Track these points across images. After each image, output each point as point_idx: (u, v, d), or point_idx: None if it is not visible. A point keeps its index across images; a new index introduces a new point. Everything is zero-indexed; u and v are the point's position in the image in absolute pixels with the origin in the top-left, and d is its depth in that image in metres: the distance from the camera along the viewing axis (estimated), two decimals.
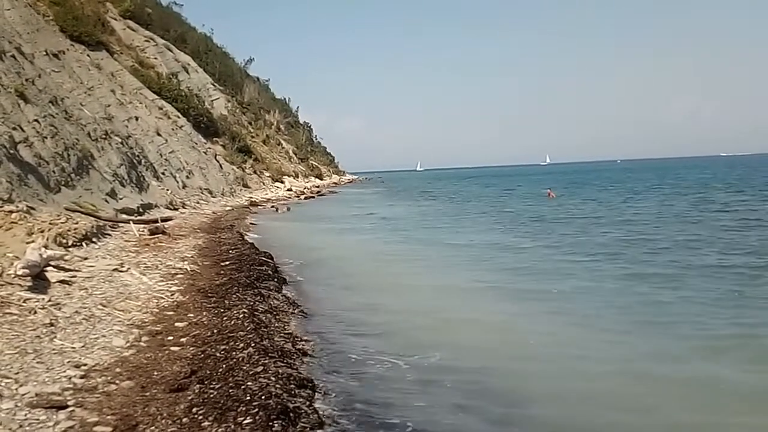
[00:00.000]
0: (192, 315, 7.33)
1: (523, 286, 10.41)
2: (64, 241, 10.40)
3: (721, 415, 5.13)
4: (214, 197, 30.57)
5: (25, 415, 4.19)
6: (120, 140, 22.25)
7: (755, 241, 14.07)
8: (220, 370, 5.28)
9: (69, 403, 4.45)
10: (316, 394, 5.24)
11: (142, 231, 14.37)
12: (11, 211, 10.07)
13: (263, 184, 45.74)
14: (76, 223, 11.45)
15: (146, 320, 7.00)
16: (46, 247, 8.76)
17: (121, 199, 17.64)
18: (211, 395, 4.69)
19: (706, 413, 5.17)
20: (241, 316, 7.17)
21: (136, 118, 27.96)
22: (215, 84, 55.98)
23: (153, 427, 4.17)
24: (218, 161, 37.70)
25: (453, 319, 8.37)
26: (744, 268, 10.99)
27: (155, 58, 43.82)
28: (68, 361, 5.30)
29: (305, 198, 43.13)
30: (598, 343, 7.12)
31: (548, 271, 11.81)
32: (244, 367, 5.32)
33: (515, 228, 20.28)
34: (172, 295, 8.42)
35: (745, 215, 20.21)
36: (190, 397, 4.67)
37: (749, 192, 32.31)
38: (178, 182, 27.56)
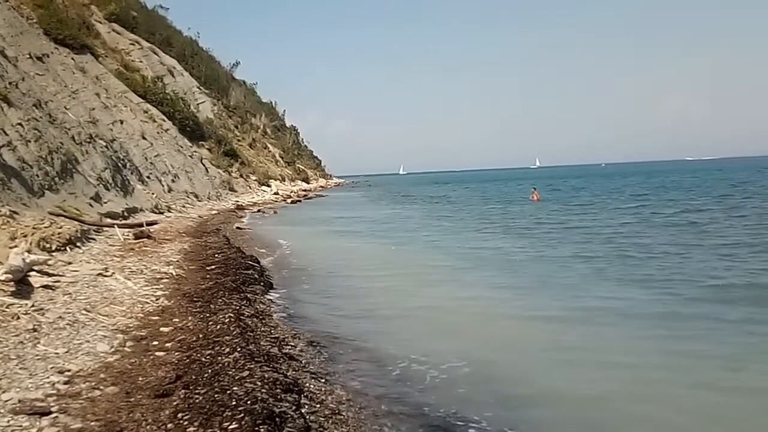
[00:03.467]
0: (177, 320, 7.30)
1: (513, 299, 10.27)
2: (48, 245, 10.31)
3: None
4: (200, 201, 30.44)
5: (8, 421, 4.15)
6: (104, 144, 22.11)
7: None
8: (206, 375, 5.25)
9: (52, 409, 4.41)
10: (303, 398, 5.22)
11: (127, 235, 14.27)
12: None
13: (250, 187, 45.62)
14: (60, 228, 11.35)
15: (131, 325, 6.96)
16: (29, 251, 8.70)
17: (105, 203, 17.51)
18: (197, 400, 4.67)
19: None
20: (227, 320, 7.15)
21: (121, 122, 27.79)
22: (201, 87, 55.84)
23: None
24: (204, 165, 37.56)
25: (448, 323, 8.39)
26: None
27: (140, 62, 43.62)
28: (52, 367, 5.25)
29: (292, 202, 43.03)
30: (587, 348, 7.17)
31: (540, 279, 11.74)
32: (230, 372, 5.31)
33: (498, 232, 20.24)
34: (157, 299, 8.37)
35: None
36: (175, 403, 4.64)
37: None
38: (163, 186, 27.41)
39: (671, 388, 5.79)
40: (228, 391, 4.82)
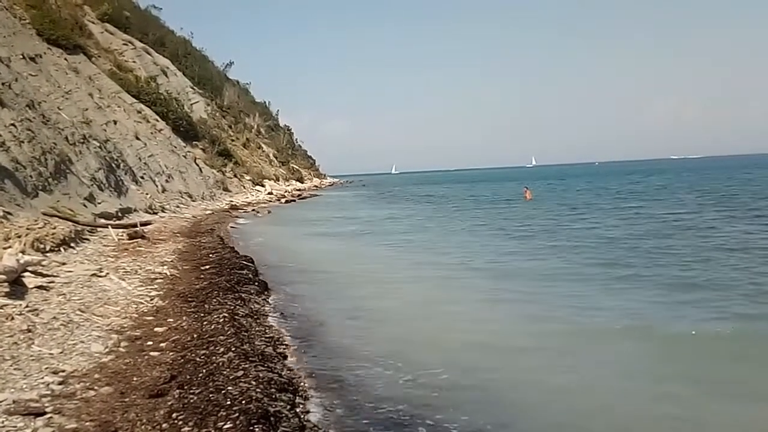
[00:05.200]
0: (172, 320, 7.30)
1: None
2: (42, 246, 10.28)
3: None
4: (194, 201, 30.36)
5: (2, 422, 4.16)
6: (98, 144, 22.03)
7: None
8: (200, 374, 5.27)
9: (47, 409, 4.42)
10: (297, 398, 5.24)
11: (121, 235, 14.24)
12: None
13: (243, 187, 45.55)
14: (54, 228, 11.32)
15: (125, 325, 6.96)
16: (23, 252, 8.68)
17: (99, 203, 17.47)
18: (191, 400, 4.68)
19: None
20: (222, 320, 7.15)
21: (115, 122, 27.70)
22: (194, 87, 55.66)
23: None
24: (198, 165, 37.47)
25: (442, 327, 8.36)
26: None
27: (133, 62, 43.47)
28: (46, 368, 5.25)
29: (286, 201, 42.96)
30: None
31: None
32: (225, 372, 5.32)
33: (487, 232, 20.26)
34: (151, 299, 8.37)
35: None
36: (169, 403, 4.65)
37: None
38: (157, 186, 27.35)
39: (652, 399, 5.64)
40: (223, 391, 4.83)
